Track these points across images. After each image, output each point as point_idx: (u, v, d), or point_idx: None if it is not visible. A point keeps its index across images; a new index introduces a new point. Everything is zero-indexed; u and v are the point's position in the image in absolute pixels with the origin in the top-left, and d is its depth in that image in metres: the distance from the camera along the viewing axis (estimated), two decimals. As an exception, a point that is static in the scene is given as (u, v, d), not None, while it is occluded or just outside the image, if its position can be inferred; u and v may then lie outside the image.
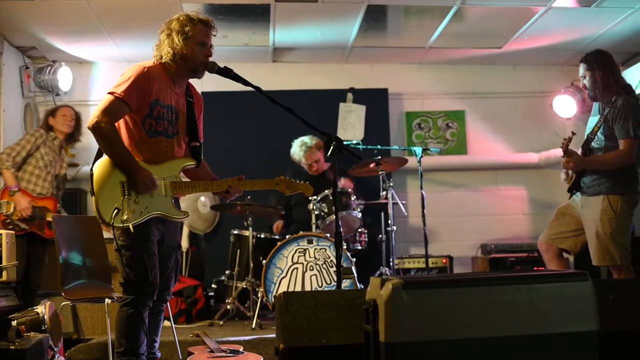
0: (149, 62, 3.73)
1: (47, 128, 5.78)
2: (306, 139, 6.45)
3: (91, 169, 3.60)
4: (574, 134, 4.73)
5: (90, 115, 3.59)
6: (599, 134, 4.60)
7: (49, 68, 6.92)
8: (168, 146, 3.76)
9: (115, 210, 3.49)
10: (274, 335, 4.01)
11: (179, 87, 3.85)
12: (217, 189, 3.86)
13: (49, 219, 5.36)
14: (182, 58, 3.69)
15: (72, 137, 5.88)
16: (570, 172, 4.79)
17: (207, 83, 7.19)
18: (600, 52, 4.72)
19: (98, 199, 3.52)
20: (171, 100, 3.77)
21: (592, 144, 4.65)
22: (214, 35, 3.81)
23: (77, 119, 5.88)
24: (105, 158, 3.59)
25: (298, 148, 6.50)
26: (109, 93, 3.56)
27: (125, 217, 3.52)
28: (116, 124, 3.61)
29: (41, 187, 5.61)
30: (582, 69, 4.72)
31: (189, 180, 3.91)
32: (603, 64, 4.64)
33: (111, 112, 3.53)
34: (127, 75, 3.60)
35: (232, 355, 4.15)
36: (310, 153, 6.45)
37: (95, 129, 3.51)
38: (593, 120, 4.73)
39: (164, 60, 3.70)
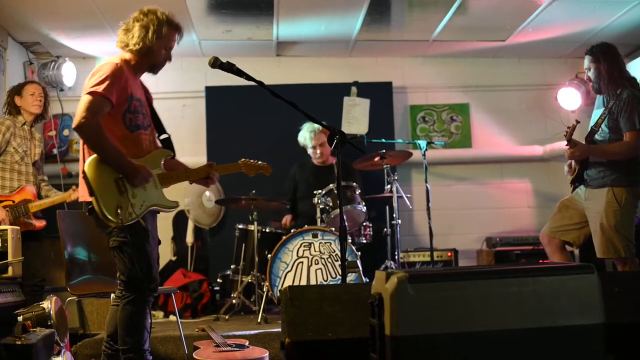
0: (116, 58, 3.76)
1: (14, 110, 5.30)
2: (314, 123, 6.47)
3: (83, 171, 3.56)
4: (578, 122, 4.73)
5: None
6: (603, 126, 4.60)
7: (53, 63, 6.92)
8: (148, 139, 3.82)
9: (119, 208, 3.49)
10: (279, 330, 4.02)
11: (138, 80, 3.91)
12: (197, 177, 3.96)
13: (33, 209, 5.12)
14: (147, 53, 3.75)
15: (41, 117, 5.40)
16: (573, 164, 4.78)
17: (210, 78, 7.30)
18: (606, 44, 4.71)
19: (99, 200, 3.49)
20: (138, 94, 3.81)
21: (596, 136, 4.65)
22: (177, 43, 3.90)
23: (46, 95, 5.40)
24: (93, 157, 3.56)
25: (306, 130, 6.52)
26: (89, 93, 3.53)
27: (129, 212, 3.53)
28: None
29: (18, 180, 5.17)
30: (587, 61, 4.71)
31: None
32: (608, 57, 4.63)
33: (95, 110, 3.50)
34: (102, 73, 3.59)
35: (238, 349, 4.16)
36: (316, 135, 6.45)
37: (82, 128, 3.49)
38: (597, 112, 4.72)
39: (129, 48, 3.74)
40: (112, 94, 3.55)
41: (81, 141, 3.66)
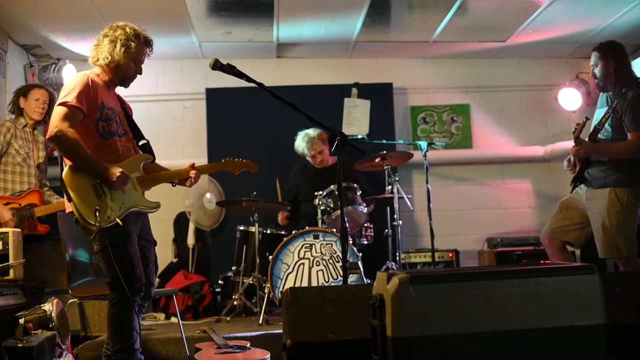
0: (87, 72, 3.87)
1: (17, 111, 5.28)
2: (309, 130, 6.44)
3: (61, 178, 3.66)
4: (587, 118, 4.72)
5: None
6: (606, 125, 4.58)
7: (54, 66, 6.91)
8: (123, 145, 3.91)
9: (97, 211, 3.57)
10: (281, 331, 4.02)
11: (112, 92, 4.00)
12: (178, 177, 4.03)
13: (39, 214, 5.11)
14: (116, 67, 3.85)
15: (43, 121, 5.31)
16: (572, 160, 4.77)
17: (210, 80, 7.30)
18: (615, 42, 4.70)
19: (77, 206, 3.59)
20: (111, 103, 3.90)
21: (599, 135, 4.63)
22: (149, 56, 3.98)
23: (51, 102, 5.30)
24: (69, 165, 3.68)
25: (301, 140, 6.50)
26: (60, 104, 3.64)
27: (108, 215, 3.62)
28: None
29: (20, 182, 5.18)
30: (594, 57, 4.68)
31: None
32: (617, 55, 4.62)
33: (68, 119, 3.62)
34: (71, 85, 3.71)
35: (239, 351, 4.16)
36: (313, 144, 6.44)
37: (56, 138, 3.60)
38: (600, 112, 4.70)
39: (99, 63, 3.84)
40: (82, 103, 3.66)
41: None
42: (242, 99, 7.06)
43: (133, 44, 3.81)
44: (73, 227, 4.84)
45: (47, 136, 3.61)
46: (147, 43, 3.91)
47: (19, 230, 4.55)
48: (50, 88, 6.36)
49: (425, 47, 7.38)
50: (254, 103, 6.83)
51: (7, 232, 4.36)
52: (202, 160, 6.90)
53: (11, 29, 6.40)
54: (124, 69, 3.85)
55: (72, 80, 3.77)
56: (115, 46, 3.78)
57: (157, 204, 3.91)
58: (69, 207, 3.76)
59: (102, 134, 3.77)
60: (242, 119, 7.21)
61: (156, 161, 4.09)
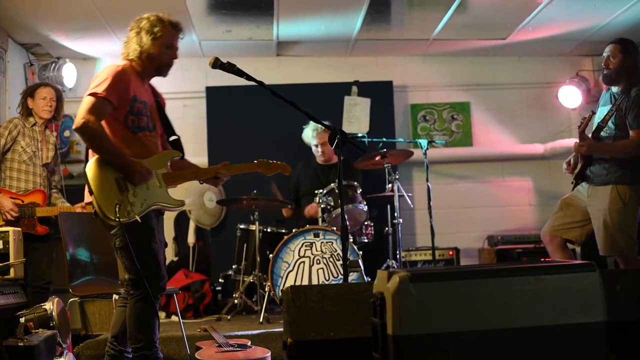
0: (120, 62, 3.79)
1: (26, 111, 5.31)
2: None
3: (84, 171, 3.60)
4: (593, 112, 4.72)
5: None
6: (609, 123, 4.57)
7: (54, 65, 6.92)
8: (153, 140, 3.83)
9: (117, 207, 3.49)
10: (281, 329, 4.03)
11: (146, 84, 3.93)
12: (205, 176, 3.96)
13: (40, 214, 5.12)
14: (148, 57, 3.77)
15: (54, 119, 5.42)
16: (572, 161, 4.77)
17: (211, 78, 7.30)
18: (631, 40, 4.69)
19: (98, 200, 3.52)
20: (144, 97, 3.82)
21: (602, 132, 4.62)
22: (181, 39, 3.90)
23: (59, 98, 5.40)
24: (94, 158, 3.60)
25: (309, 129, 6.54)
26: (90, 95, 3.56)
27: (128, 210, 3.54)
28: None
29: (25, 181, 5.18)
30: (613, 49, 4.63)
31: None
32: (636, 53, 4.63)
33: (96, 111, 3.53)
34: (103, 76, 3.62)
35: (240, 349, 4.16)
36: (319, 134, 6.46)
37: (82, 129, 3.52)
38: (603, 109, 4.69)
39: (130, 58, 3.77)
40: (112, 95, 3.57)
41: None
42: (242, 97, 7.06)
43: (157, 29, 3.73)
44: (74, 225, 4.87)
45: (73, 127, 3.55)
46: (174, 26, 3.82)
47: (19, 229, 4.55)
48: (56, 85, 6.35)
49: (425, 45, 7.37)
50: (254, 101, 6.82)
51: (8, 231, 4.37)
52: (202, 159, 6.91)
53: (11, 27, 6.40)
54: (157, 57, 3.77)
55: (104, 70, 3.68)
56: (142, 36, 3.73)
57: (180, 202, 3.83)
58: (88, 198, 3.69)
59: (130, 127, 3.69)
60: (242, 117, 7.22)
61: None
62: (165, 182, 3.76)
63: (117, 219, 3.48)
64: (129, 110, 3.67)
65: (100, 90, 3.55)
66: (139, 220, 3.55)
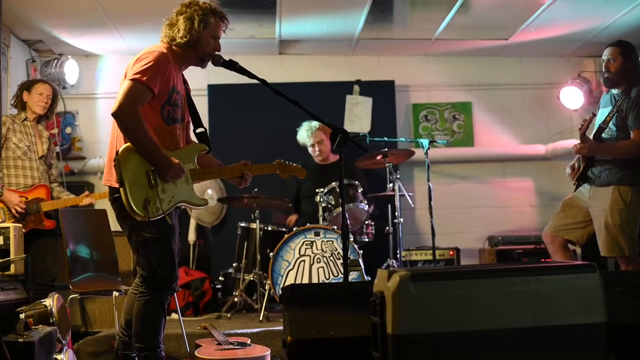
0: (161, 46, 3.66)
1: (20, 104, 5.27)
2: (313, 121, 6.45)
3: (116, 157, 3.44)
4: (594, 114, 4.72)
5: (108, 105, 3.51)
6: (610, 124, 4.58)
7: (56, 61, 6.92)
8: (181, 133, 3.75)
9: (146, 202, 3.40)
10: (281, 328, 4.03)
11: (181, 72, 3.82)
12: (231, 175, 3.89)
13: (45, 209, 5.10)
14: (195, 45, 3.65)
15: (45, 117, 5.38)
16: (576, 165, 4.77)
17: (212, 76, 7.29)
18: (630, 43, 4.70)
19: (128, 191, 3.39)
20: (180, 87, 3.72)
21: (603, 134, 4.63)
22: (224, 32, 3.80)
23: (54, 96, 5.36)
24: (127, 145, 3.45)
25: (303, 129, 6.55)
26: (132, 79, 3.42)
27: (157, 207, 3.44)
28: None
29: (24, 176, 5.15)
30: (613, 51, 4.65)
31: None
32: (635, 55, 4.63)
33: (135, 98, 3.40)
34: (147, 61, 3.48)
35: (239, 347, 4.16)
36: (313, 133, 6.46)
37: (119, 115, 3.39)
38: (604, 111, 4.70)
39: (176, 42, 3.64)
40: (155, 83, 3.46)
41: (113, 125, 3.56)
42: (244, 95, 7.06)
43: (212, 19, 3.64)
44: (74, 222, 4.87)
45: (111, 111, 3.40)
46: (223, 17, 3.73)
47: (20, 225, 4.55)
48: (53, 83, 6.35)
49: (427, 45, 7.37)
50: (256, 99, 6.83)
51: (9, 227, 4.37)
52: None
53: (13, 24, 6.40)
54: (204, 46, 3.66)
55: (149, 54, 3.52)
56: (194, 23, 3.59)
57: (205, 201, 3.77)
58: (107, 182, 3.58)
59: (165, 118, 3.58)
60: (244, 115, 7.22)
61: None
62: (192, 179, 3.67)
63: (146, 215, 3.39)
64: (167, 100, 3.57)
65: (143, 76, 3.42)
66: (169, 221, 3.50)
